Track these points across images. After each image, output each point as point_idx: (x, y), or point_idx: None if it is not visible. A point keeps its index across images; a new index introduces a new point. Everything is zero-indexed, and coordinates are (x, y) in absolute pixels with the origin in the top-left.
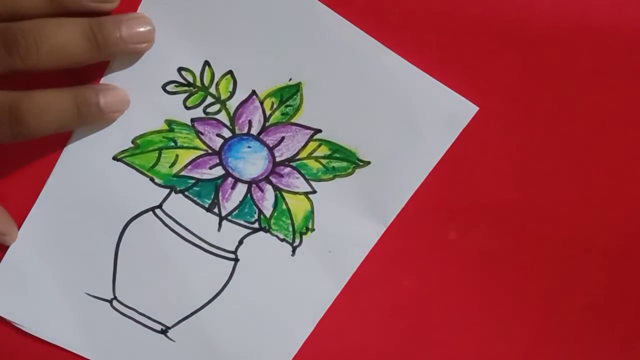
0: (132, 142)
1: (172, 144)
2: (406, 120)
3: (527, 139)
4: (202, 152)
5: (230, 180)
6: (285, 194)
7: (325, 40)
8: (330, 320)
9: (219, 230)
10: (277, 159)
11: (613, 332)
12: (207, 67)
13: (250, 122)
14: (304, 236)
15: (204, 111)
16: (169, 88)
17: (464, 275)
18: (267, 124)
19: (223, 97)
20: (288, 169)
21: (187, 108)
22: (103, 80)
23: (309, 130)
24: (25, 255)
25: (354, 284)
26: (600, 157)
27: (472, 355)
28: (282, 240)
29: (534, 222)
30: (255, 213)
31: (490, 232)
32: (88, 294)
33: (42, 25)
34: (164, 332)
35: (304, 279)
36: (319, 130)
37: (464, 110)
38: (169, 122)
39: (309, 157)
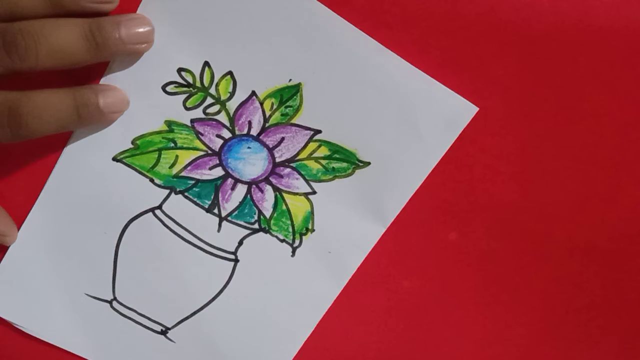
0: (132, 142)
1: (172, 144)
2: (406, 121)
3: (527, 139)
4: (202, 153)
5: (230, 181)
6: (285, 195)
7: (325, 41)
8: (330, 320)
9: (218, 231)
10: (277, 160)
11: (613, 332)
12: (207, 68)
13: (250, 123)
14: (303, 237)
15: (204, 112)
16: (169, 89)
17: (464, 275)
18: (267, 124)
19: (223, 97)
20: (288, 170)
21: (187, 109)
22: (103, 81)
23: (308, 131)
24: (25, 255)
25: (354, 285)
26: (600, 157)
27: (472, 355)
28: (282, 241)
29: (534, 222)
30: (255, 214)
31: (490, 232)
32: (88, 295)
33: (42, 26)
34: (164, 332)
35: (304, 280)
36: (319, 131)
37: (464, 110)
38: (169, 123)
39: (308, 157)
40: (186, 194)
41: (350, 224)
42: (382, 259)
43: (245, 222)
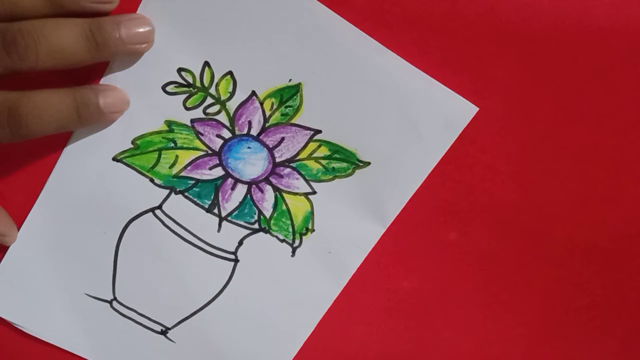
0: (132, 142)
1: (172, 144)
2: (406, 121)
3: (527, 139)
4: (202, 153)
5: (230, 181)
6: (285, 195)
7: (325, 41)
8: (330, 320)
9: (218, 231)
10: (277, 160)
11: (613, 332)
12: (206, 68)
13: (250, 123)
14: (303, 237)
15: (204, 112)
16: (169, 89)
17: (464, 275)
18: (267, 124)
19: (223, 97)
20: (288, 170)
21: (187, 109)
22: (103, 81)
23: (308, 131)
24: (25, 255)
25: (354, 285)
26: (600, 157)
27: (472, 355)
28: (282, 241)
29: (534, 222)
30: (255, 214)
31: (490, 232)
32: (88, 295)
33: (42, 26)
34: (164, 332)
35: (304, 280)
36: (319, 131)
37: (464, 110)
38: (169, 123)
39: (308, 157)
40: (186, 194)
41: (350, 224)
42: (382, 259)
43: (245, 222)
